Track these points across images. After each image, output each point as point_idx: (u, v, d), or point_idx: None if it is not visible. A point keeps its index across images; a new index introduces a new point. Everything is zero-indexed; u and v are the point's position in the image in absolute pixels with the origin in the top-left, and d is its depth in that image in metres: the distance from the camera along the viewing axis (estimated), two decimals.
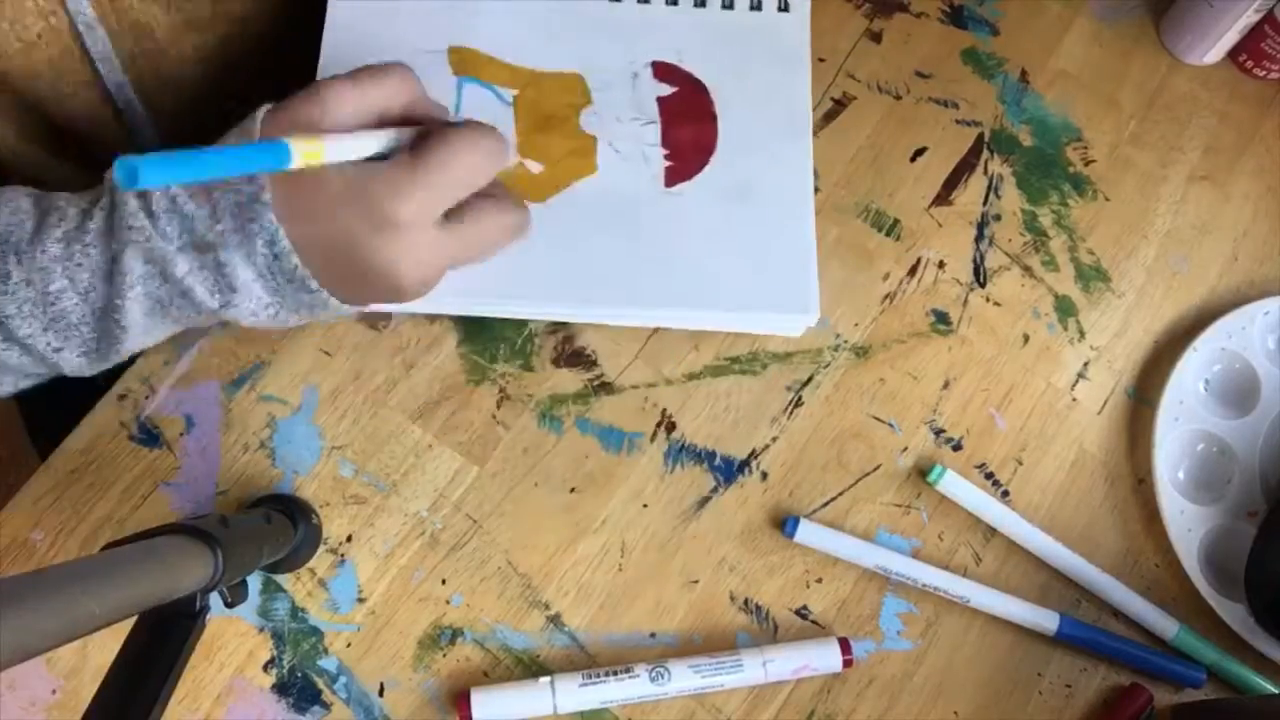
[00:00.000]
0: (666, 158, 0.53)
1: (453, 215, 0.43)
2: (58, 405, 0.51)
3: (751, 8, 0.57)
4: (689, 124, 0.54)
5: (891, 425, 0.54)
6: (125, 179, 0.30)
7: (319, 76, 0.52)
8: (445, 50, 0.54)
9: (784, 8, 0.57)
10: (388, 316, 0.53)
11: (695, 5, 0.57)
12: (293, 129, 0.40)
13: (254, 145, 0.35)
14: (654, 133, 0.54)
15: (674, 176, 0.53)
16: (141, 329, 0.42)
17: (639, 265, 0.51)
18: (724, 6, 0.57)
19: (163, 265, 0.40)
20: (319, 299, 0.42)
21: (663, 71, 0.56)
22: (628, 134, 0.54)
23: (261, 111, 0.41)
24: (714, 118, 0.55)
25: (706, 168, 0.54)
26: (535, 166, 0.53)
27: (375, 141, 0.41)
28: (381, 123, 0.43)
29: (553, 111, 0.54)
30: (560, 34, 0.56)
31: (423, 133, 0.43)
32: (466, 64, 0.54)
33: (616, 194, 0.53)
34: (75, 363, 0.42)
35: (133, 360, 0.51)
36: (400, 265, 0.41)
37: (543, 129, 0.54)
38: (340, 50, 0.54)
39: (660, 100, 0.55)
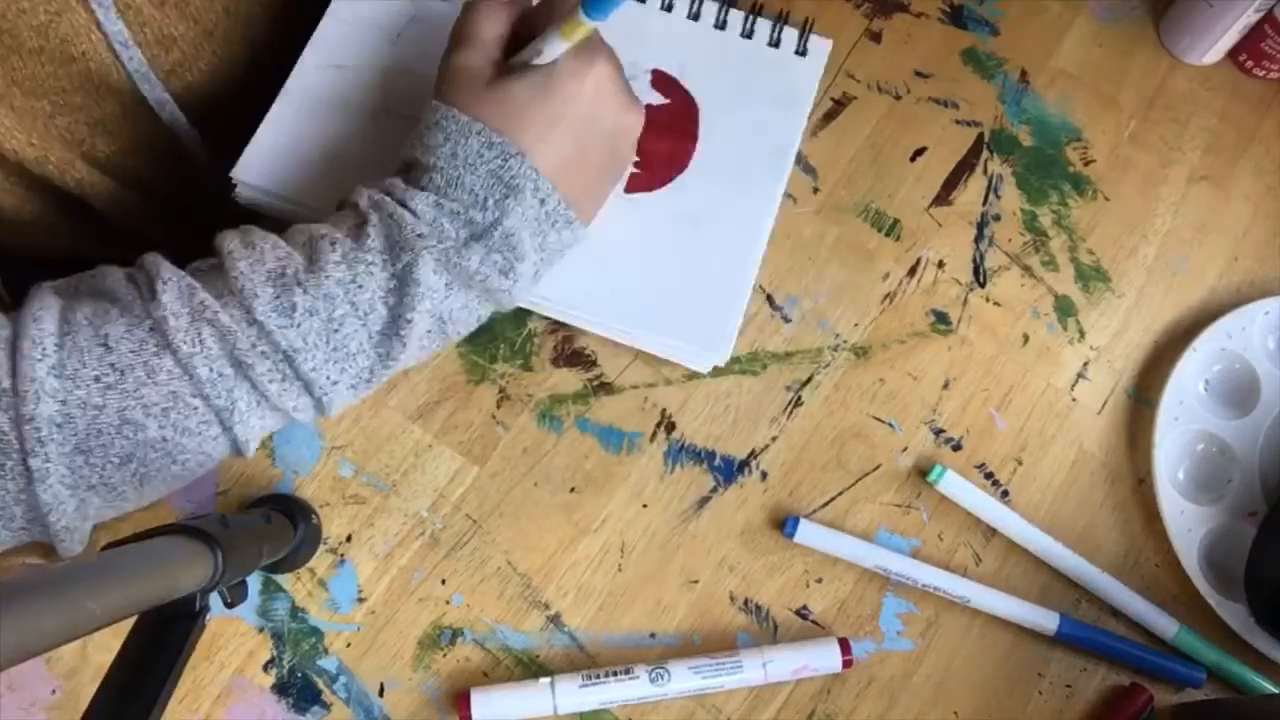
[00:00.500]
0: (635, 164, 0.54)
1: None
2: None
3: (770, 43, 0.57)
4: (668, 138, 0.54)
5: (891, 425, 0.54)
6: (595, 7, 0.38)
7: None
8: (459, 4, 0.55)
9: (802, 52, 0.57)
10: None
11: (715, 26, 0.57)
12: (465, 88, 0.43)
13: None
14: None
15: (636, 184, 0.53)
16: (414, 349, 0.42)
17: (574, 262, 0.50)
18: (743, 34, 0.57)
19: (457, 268, 0.41)
20: (574, 231, 0.45)
21: (660, 81, 0.56)
22: None
23: (438, 104, 0.44)
24: (695, 138, 0.55)
25: (670, 185, 0.54)
26: None
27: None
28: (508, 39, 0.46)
29: None
30: None
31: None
32: None
33: None
34: (344, 397, 0.42)
35: None
36: (623, 111, 0.46)
37: None
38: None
39: (648, 108, 0.55)
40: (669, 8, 0.57)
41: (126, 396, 0.37)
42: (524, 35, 0.46)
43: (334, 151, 0.52)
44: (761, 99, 0.56)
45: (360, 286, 0.40)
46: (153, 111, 0.55)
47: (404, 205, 0.41)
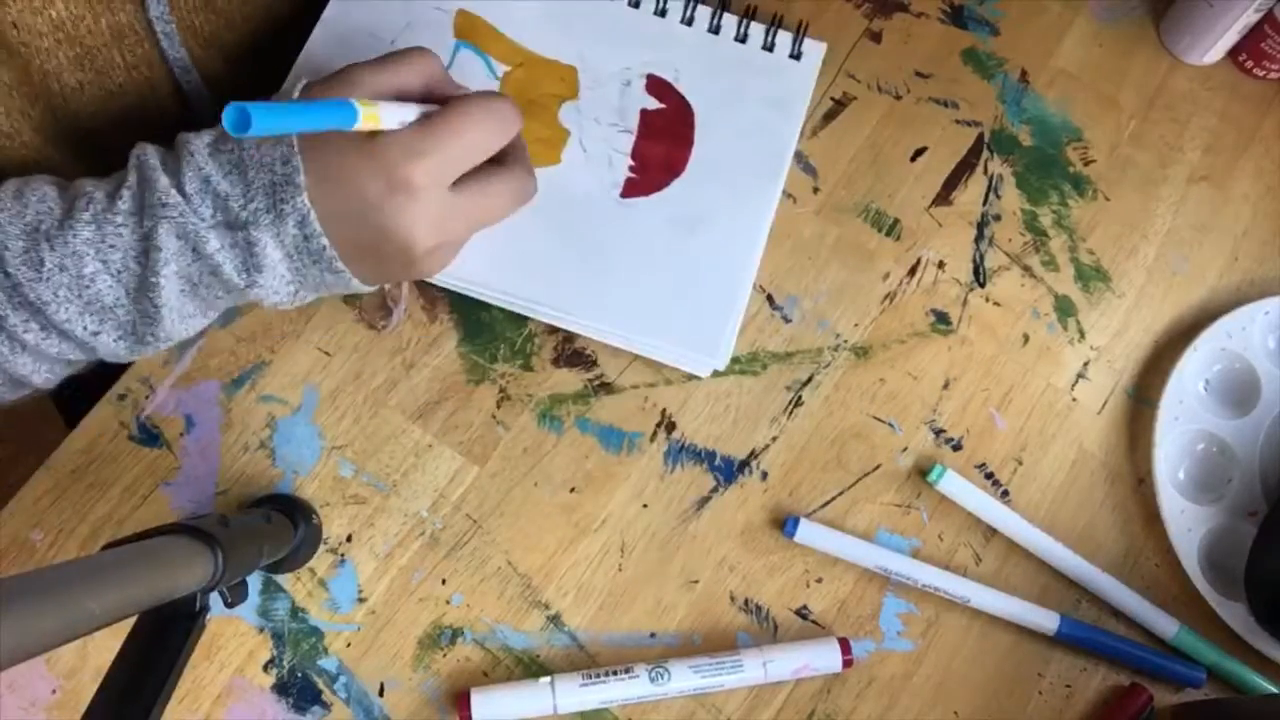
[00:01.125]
0: (631, 169, 0.54)
1: (464, 181, 0.44)
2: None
3: (764, 47, 0.57)
4: (664, 143, 0.54)
5: (891, 425, 0.54)
6: (235, 123, 0.34)
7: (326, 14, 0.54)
8: (453, 11, 0.55)
9: (796, 55, 0.57)
10: (388, 315, 0.53)
11: (709, 30, 0.57)
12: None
13: (328, 102, 0.38)
14: (627, 142, 0.54)
15: (632, 189, 0.53)
16: (176, 311, 0.42)
17: (567, 265, 0.51)
18: (737, 39, 0.57)
19: (195, 242, 0.41)
20: (341, 279, 0.43)
21: (655, 86, 0.56)
22: (601, 136, 0.54)
23: (298, 88, 0.43)
24: (690, 143, 0.55)
25: (666, 189, 0.54)
26: None
27: (413, 111, 0.43)
28: (403, 99, 0.44)
29: (536, 97, 0.54)
30: (568, 24, 0.56)
31: (444, 104, 0.44)
32: (469, 30, 0.55)
33: (571, 190, 0.53)
34: (113, 347, 0.43)
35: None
36: (415, 229, 0.42)
37: (522, 111, 0.54)
38: None
39: (644, 112, 0.55)
40: (662, 12, 0.57)
41: None
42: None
43: None
44: (757, 103, 0.56)
45: (111, 246, 0.40)
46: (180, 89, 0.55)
47: (170, 172, 0.41)
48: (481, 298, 0.52)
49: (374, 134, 0.41)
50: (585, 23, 0.56)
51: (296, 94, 0.43)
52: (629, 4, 0.57)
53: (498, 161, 0.46)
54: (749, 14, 0.57)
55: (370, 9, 0.55)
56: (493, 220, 0.47)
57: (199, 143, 0.42)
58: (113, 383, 0.51)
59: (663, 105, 0.55)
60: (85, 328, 0.41)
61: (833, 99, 0.60)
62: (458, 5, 0.56)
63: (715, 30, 0.57)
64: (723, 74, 0.56)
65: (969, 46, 0.62)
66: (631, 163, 0.54)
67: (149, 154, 0.42)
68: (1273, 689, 0.51)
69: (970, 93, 0.61)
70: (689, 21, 0.57)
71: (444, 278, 0.51)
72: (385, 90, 0.43)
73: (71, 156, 0.52)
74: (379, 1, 0.55)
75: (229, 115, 0.34)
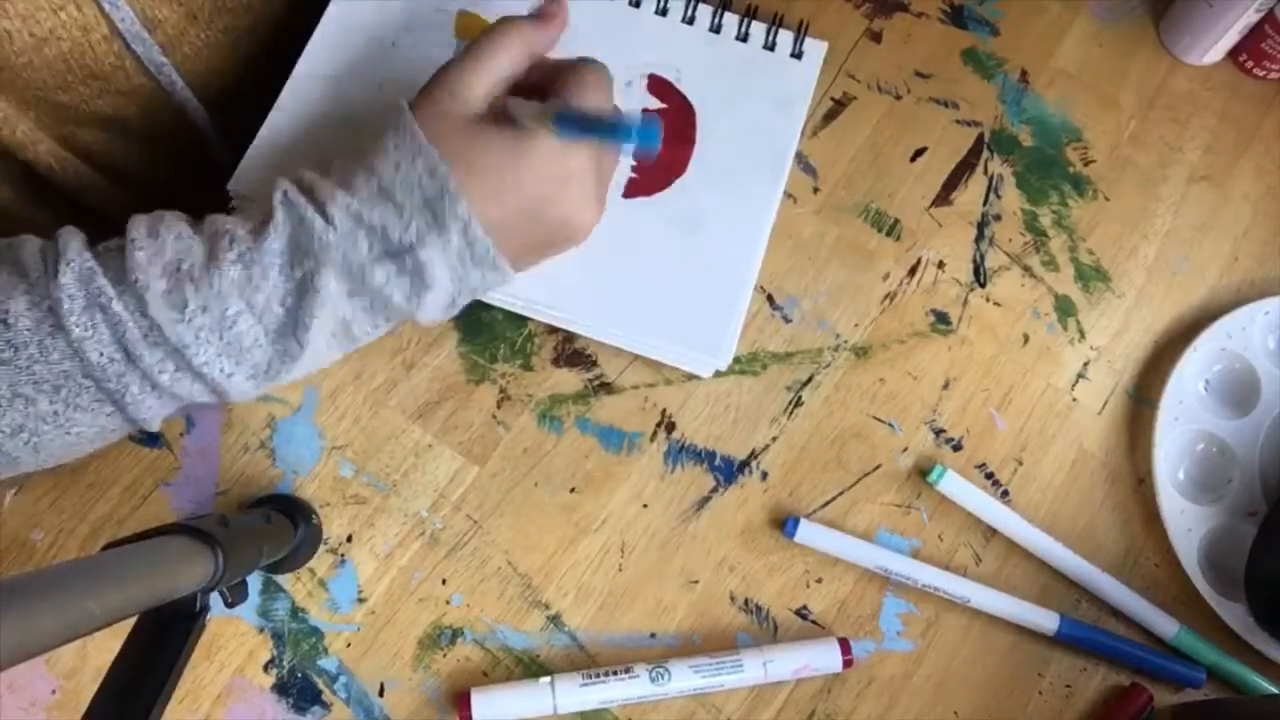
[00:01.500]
0: (632, 169, 0.54)
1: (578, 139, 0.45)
2: None
3: (765, 46, 0.56)
4: (666, 143, 0.54)
5: (891, 425, 0.54)
6: (645, 139, 0.39)
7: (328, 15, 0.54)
8: (454, 12, 0.55)
9: (797, 54, 0.56)
10: None
11: (710, 30, 0.57)
12: (441, 117, 0.42)
13: (636, 123, 0.40)
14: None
15: (634, 189, 0.53)
16: (318, 351, 0.42)
17: (572, 267, 0.50)
18: (738, 38, 0.57)
19: (361, 279, 0.40)
20: (499, 275, 0.43)
21: (656, 86, 0.56)
22: None
23: (406, 107, 0.43)
24: (692, 142, 0.55)
25: (668, 190, 0.53)
26: None
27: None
28: (513, 86, 0.45)
29: None
30: (572, 27, 0.56)
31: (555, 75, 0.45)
32: (470, 30, 0.55)
33: None
34: (244, 386, 0.42)
35: None
36: (587, 210, 0.44)
37: None
38: None
39: (646, 112, 0.55)
40: (664, 11, 0.57)
41: (20, 372, 0.38)
42: (534, 80, 0.46)
43: (330, 163, 0.52)
44: (758, 102, 0.56)
45: (256, 288, 0.40)
46: (164, 91, 0.55)
47: (319, 209, 0.41)
48: (484, 298, 0.52)
49: (509, 126, 0.42)
50: (586, 23, 0.56)
51: (407, 113, 0.43)
52: (629, 4, 0.57)
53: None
54: (750, 13, 0.57)
55: (370, 9, 0.55)
56: (614, 167, 0.48)
57: (325, 178, 0.42)
58: None
59: (664, 105, 0.55)
60: (222, 369, 0.40)
61: (833, 99, 0.60)
62: (458, 5, 0.56)
63: (716, 30, 0.57)
64: (724, 73, 0.56)
65: (969, 46, 0.62)
66: (633, 163, 0.54)
67: (292, 193, 0.41)
68: (1273, 689, 0.51)
69: (970, 93, 0.61)
70: (690, 21, 0.57)
71: None
72: (490, 82, 0.44)
73: (15, 108, 0.51)
74: (379, 2, 0.55)
75: (642, 131, 0.39)
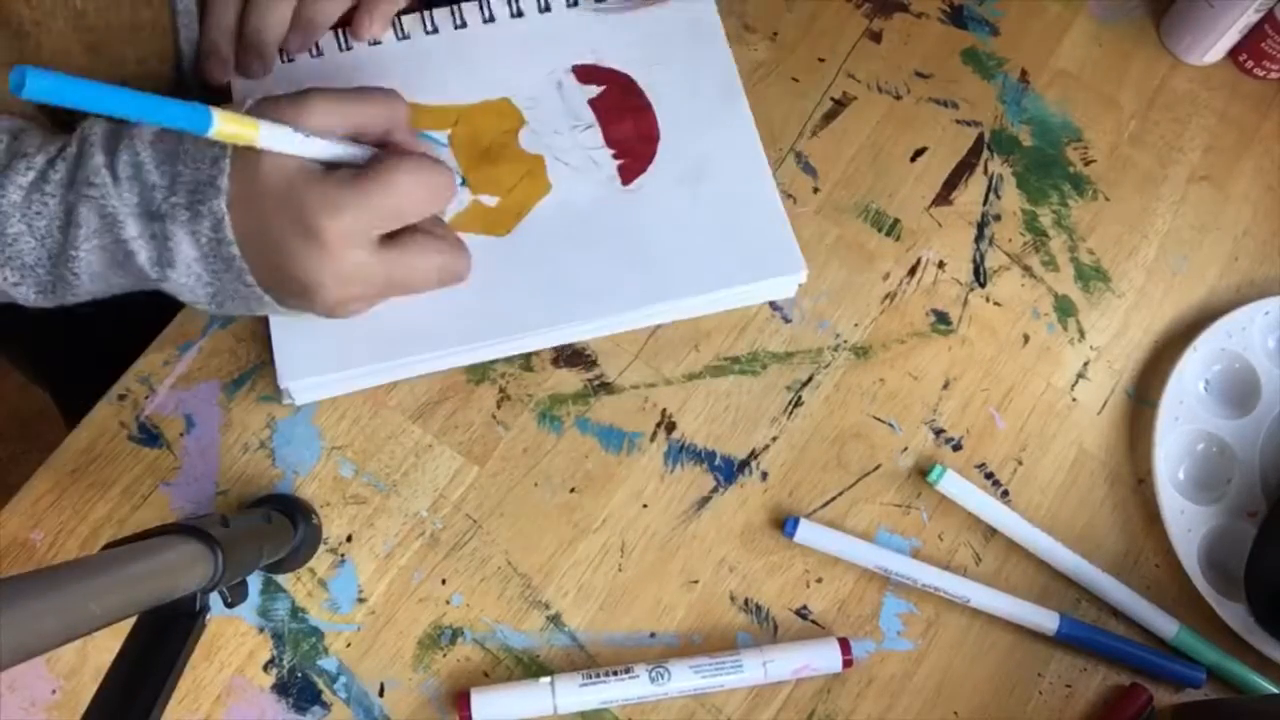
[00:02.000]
0: (615, 156, 0.54)
1: (387, 243, 0.43)
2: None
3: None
4: (627, 118, 0.54)
5: (891, 425, 0.54)
6: (14, 84, 0.33)
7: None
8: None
9: None
10: None
11: (597, 3, 0.57)
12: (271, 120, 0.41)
13: (179, 102, 0.37)
14: (595, 136, 0.54)
15: (629, 173, 0.54)
16: (95, 279, 0.43)
17: (618, 269, 0.51)
18: (625, 2, 0.57)
19: (113, 225, 0.41)
20: (254, 293, 0.43)
21: (585, 74, 0.55)
22: (571, 144, 0.54)
23: (250, 100, 0.42)
24: (649, 107, 0.55)
25: (657, 157, 0.54)
26: (490, 200, 0.52)
27: (323, 148, 0.42)
28: (356, 140, 0.44)
29: (491, 141, 0.54)
30: (474, 64, 0.55)
31: (378, 155, 0.43)
32: (414, 121, 0.53)
33: (577, 205, 0.53)
34: (31, 298, 0.43)
35: (133, 360, 0.51)
36: (322, 279, 0.42)
37: (488, 160, 0.53)
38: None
39: (592, 102, 0.55)
40: (546, 8, 0.56)
41: None
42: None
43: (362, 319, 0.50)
44: (680, 45, 0.56)
45: (37, 214, 0.41)
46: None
47: (107, 151, 0.41)
48: (550, 344, 0.52)
49: (305, 166, 0.41)
50: (487, 53, 0.55)
51: (245, 108, 0.42)
52: (512, 15, 0.56)
53: (427, 230, 0.46)
54: None
55: (317, 72, 0.54)
56: (414, 290, 0.46)
57: (145, 128, 0.42)
58: (113, 383, 0.51)
59: (603, 87, 0.55)
60: (4, 278, 0.42)
61: (833, 99, 0.60)
62: (415, 96, 0.54)
63: (601, 0, 0.57)
64: (635, 35, 0.56)
65: (969, 46, 0.62)
66: (612, 151, 0.54)
67: (95, 131, 0.42)
68: (1273, 689, 0.51)
69: (970, 93, 0.61)
70: (573, 4, 0.57)
71: (500, 343, 0.51)
72: (339, 125, 0.43)
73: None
74: (327, 65, 0.54)
75: (13, 75, 0.33)
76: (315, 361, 0.49)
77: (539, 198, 0.53)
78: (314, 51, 0.54)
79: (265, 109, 0.42)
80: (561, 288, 0.51)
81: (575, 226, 0.52)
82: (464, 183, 0.53)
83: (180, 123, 0.38)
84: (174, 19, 0.50)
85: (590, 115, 0.54)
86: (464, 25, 0.56)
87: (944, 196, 0.58)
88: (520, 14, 0.56)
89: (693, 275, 0.51)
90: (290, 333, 0.49)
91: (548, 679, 0.47)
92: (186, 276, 0.42)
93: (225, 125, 0.38)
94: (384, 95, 0.44)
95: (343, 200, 0.41)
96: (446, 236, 0.48)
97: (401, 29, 0.55)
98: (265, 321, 0.51)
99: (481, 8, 0.56)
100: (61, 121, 0.56)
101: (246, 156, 0.41)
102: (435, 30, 0.55)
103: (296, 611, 0.49)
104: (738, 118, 0.55)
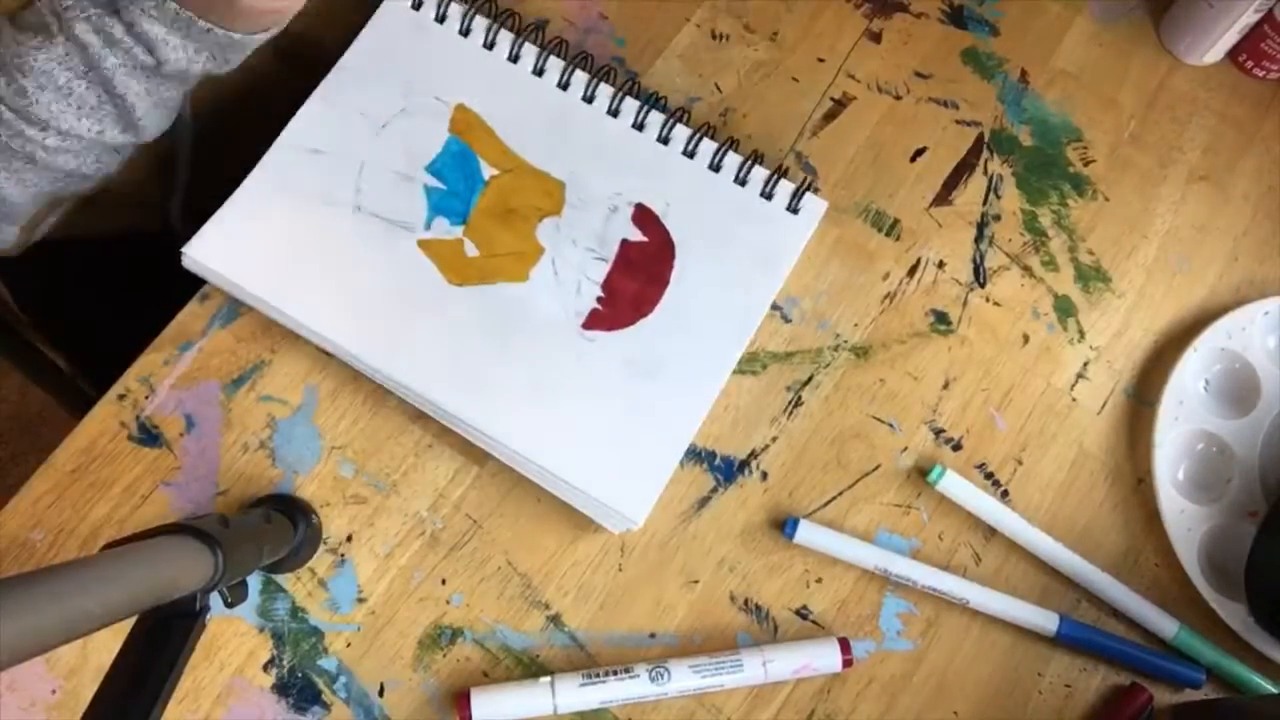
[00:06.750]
0: (599, 300, 0.51)
1: None
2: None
3: (762, 194, 0.54)
4: (639, 279, 0.52)
5: (891, 425, 0.54)
6: None
7: (345, 63, 0.53)
8: (452, 105, 0.53)
9: (794, 209, 0.54)
10: None
11: (710, 167, 0.54)
12: None
13: None
14: (601, 270, 0.52)
15: (595, 321, 0.51)
16: (140, 97, 0.45)
17: (513, 388, 0.49)
18: (736, 180, 0.54)
19: (104, 31, 0.43)
20: (218, 36, 0.45)
21: (641, 216, 0.53)
22: (576, 261, 0.52)
23: None
24: (665, 284, 0.52)
25: (631, 329, 0.51)
26: (472, 250, 0.51)
27: None
28: None
29: (518, 207, 0.52)
30: (566, 137, 0.54)
31: None
32: (465, 127, 0.53)
33: (533, 312, 0.51)
34: (121, 139, 0.47)
35: (132, 360, 0.51)
36: None
37: (501, 219, 0.52)
38: (369, 56, 0.53)
39: (624, 243, 0.52)
40: (665, 140, 0.54)
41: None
42: None
43: (297, 244, 0.50)
44: (742, 252, 0.53)
45: (66, 55, 0.43)
46: None
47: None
48: (420, 406, 0.50)
49: None
50: (584, 137, 0.54)
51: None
52: (633, 125, 0.54)
53: None
54: (754, 158, 0.54)
55: (367, 86, 0.53)
56: None
57: None
58: (112, 383, 0.51)
59: (645, 239, 0.53)
60: (89, 129, 0.45)
61: (832, 99, 0.60)
62: (459, 99, 0.53)
63: (716, 169, 0.54)
64: (714, 215, 0.53)
65: (969, 46, 0.62)
66: (601, 294, 0.51)
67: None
68: (1273, 689, 0.51)
69: (970, 93, 0.61)
70: (690, 154, 0.54)
71: (383, 362, 0.49)
72: None
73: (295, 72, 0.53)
74: (377, 80, 0.53)
75: None
76: (230, 253, 0.50)
77: (509, 280, 0.51)
78: None
79: None
80: (456, 361, 0.49)
81: (514, 325, 0.50)
82: (465, 221, 0.52)
83: None
84: None
85: (613, 252, 0.52)
86: (590, 100, 0.54)
87: (944, 196, 0.59)
88: (640, 128, 0.54)
89: (559, 447, 0.49)
90: (232, 221, 0.50)
91: (547, 679, 0.47)
92: (173, 51, 0.44)
93: None
94: None
95: None
96: None
97: (564, 76, 0.54)
98: (265, 321, 0.51)
99: (612, 100, 0.54)
100: None
101: None
102: (565, 87, 0.54)
103: (296, 611, 0.49)
104: (724, 355, 0.51)
